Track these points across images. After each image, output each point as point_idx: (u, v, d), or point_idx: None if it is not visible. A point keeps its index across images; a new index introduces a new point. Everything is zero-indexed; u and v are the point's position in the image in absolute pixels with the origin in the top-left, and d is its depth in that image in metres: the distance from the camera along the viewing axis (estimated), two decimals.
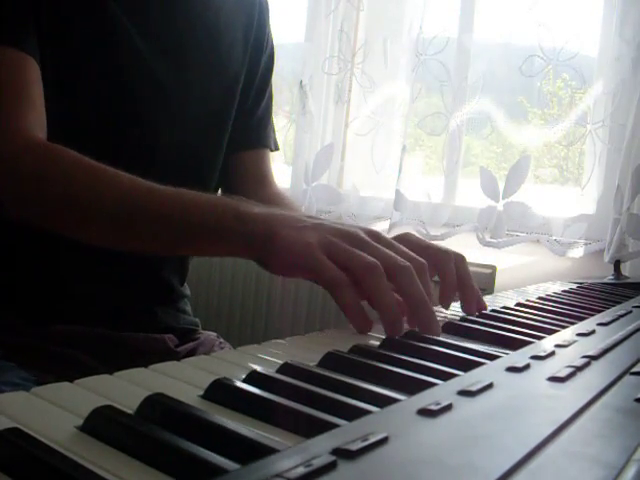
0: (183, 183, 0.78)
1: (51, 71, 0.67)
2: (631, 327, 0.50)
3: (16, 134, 0.62)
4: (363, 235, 0.51)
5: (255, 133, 0.91)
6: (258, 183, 0.93)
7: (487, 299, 0.70)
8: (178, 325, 0.82)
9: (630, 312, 0.60)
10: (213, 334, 0.89)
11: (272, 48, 0.93)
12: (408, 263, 0.49)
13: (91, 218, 0.60)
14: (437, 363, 0.37)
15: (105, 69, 0.70)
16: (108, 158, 0.71)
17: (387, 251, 0.50)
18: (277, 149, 0.97)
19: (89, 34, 0.69)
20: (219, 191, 0.89)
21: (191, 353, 0.80)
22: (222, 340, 0.90)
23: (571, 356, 0.38)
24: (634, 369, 0.36)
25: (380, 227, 1.58)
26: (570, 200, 1.41)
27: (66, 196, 0.60)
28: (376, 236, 0.52)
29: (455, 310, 0.60)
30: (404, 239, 0.57)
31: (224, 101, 0.82)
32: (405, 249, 0.52)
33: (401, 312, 0.48)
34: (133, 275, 0.74)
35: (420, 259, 0.51)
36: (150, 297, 0.78)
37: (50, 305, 0.72)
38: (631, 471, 0.22)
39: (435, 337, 0.46)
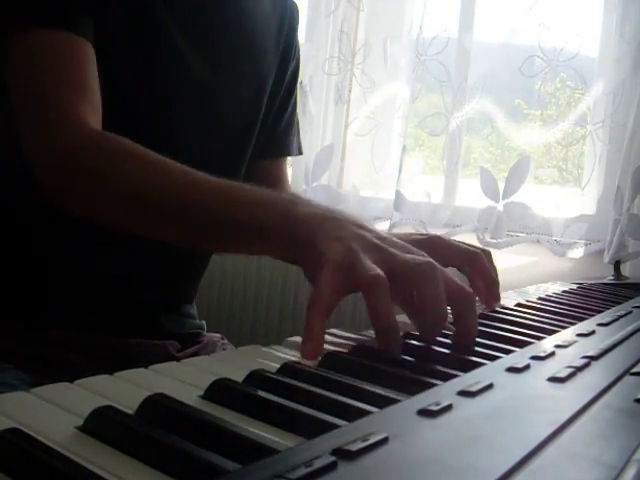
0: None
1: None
2: (631, 327, 0.50)
3: (72, 124, 0.60)
4: (395, 251, 0.48)
5: (278, 143, 0.92)
6: (273, 187, 0.93)
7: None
8: (181, 330, 0.81)
9: (630, 312, 0.60)
10: (217, 335, 0.88)
11: (298, 59, 0.93)
12: (431, 262, 0.47)
13: (141, 212, 0.58)
14: (437, 363, 0.38)
15: (146, 64, 0.69)
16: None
17: (409, 261, 0.47)
18: (300, 153, 0.97)
19: (134, 30, 0.68)
20: None
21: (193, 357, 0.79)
22: (226, 341, 0.89)
23: (571, 356, 0.38)
24: (634, 369, 0.36)
25: (380, 227, 1.58)
26: (570, 200, 1.41)
27: (117, 189, 0.58)
28: (411, 251, 0.49)
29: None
30: (434, 242, 0.60)
31: (252, 107, 0.82)
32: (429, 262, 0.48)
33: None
34: (136, 280, 0.74)
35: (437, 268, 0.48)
36: (153, 302, 0.77)
37: (50, 310, 0.71)
38: (631, 471, 0.22)
39: (435, 337, 0.46)
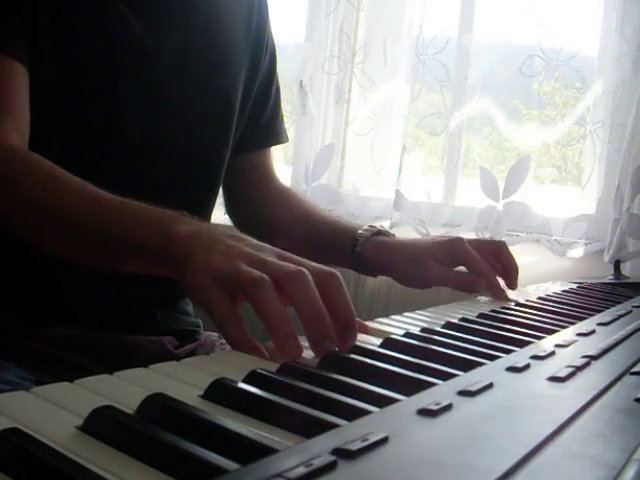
0: (190, 178, 0.78)
1: (56, 68, 0.66)
2: (631, 327, 0.50)
3: None
4: (268, 257, 0.46)
5: (262, 134, 0.92)
6: (262, 181, 0.94)
7: (487, 299, 0.71)
8: (178, 327, 0.81)
9: (630, 312, 0.60)
10: (215, 335, 0.89)
11: (273, 48, 0.92)
12: (303, 269, 0.44)
13: (42, 226, 0.59)
14: (437, 363, 0.37)
15: (107, 66, 0.70)
16: (114, 154, 0.71)
17: (284, 265, 0.45)
18: (287, 140, 0.98)
19: (93, 32, 0.69)
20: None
21: (191, 355, 0.79)
22: (224, 341, 0.89)
23: (571, 356, 0.38)
24: (634, 369, 0.36)
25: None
26: (570, 200, 1.41)
27: (19, 199, 0.59)
28: (285, 257, 0.48)
29: (456, 310, 0.60)
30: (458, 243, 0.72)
31: (228, 94, 0.82)
32: (312, 264, 0.46)
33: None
34: (132, 277, 0.74)
35: (330, 272, 0.46)
36: (149, 299, 0.78)
37: (48, 307, 0.72)
38: (631, 471, 0.22)
39: (435, 337, 0.46)
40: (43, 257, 0.70)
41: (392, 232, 0.82)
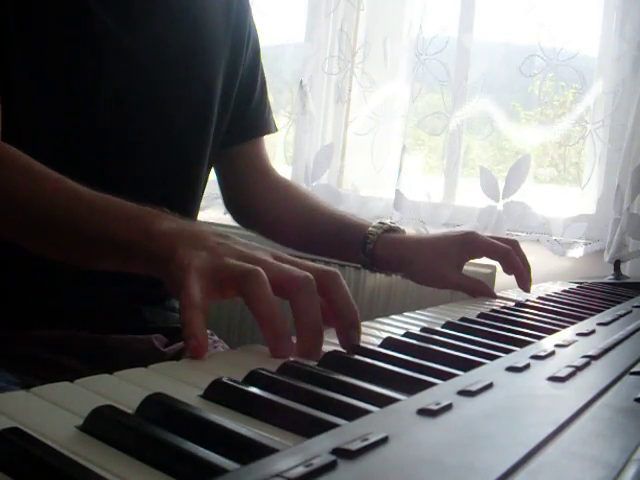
0: (174, 165, 0.77)
1: (27, 65, 0.65)
2: (631, 327, 0.50)
3: None
4: (262, 256, 0.46)
5: (253, 123, 0.91)
6: (258, 173, 0.93)
7: (487, 299, 0.71)
8: (167, 324, 0.80)
9: (630, 312, 0.60)
10: (207, 331, 0.87)
11: (256, 40, 0.91)
12: (301, 272, 0.43)
13: (8, 217, 0.57)
14: (437, 363, 0.37)
15: (82, 59, 0.69)
16: (92, 145, 0.70)
17: (282, 265, 0.45)
18: (276, 130, 0.97)
19: (67, 29, 0.67)
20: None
21: (180, 353, 0.78)
22: (216, 338, 0.88)
23: (571, 356, 0.38)
24: (634, 369, 0.36)
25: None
26: (570, 200, 1.41)
27: None
28: (279, 257, 0.47)
29: (456, 310, 0.60)
30: (473, 239, 0.74)
31: (207, 89, 0.81)
32: (310, 264, 0.46)
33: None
34: (117, 275, 0.72)
35: (329, 270, 0.46)
36: (136, 297, 0.76)
37: (32, 309, 0.70)
38: (631, 471, 0.22)
39: (435, 337, 0.46)
40: (25, 257, 0.68)
41: (401, 228, 0.82)
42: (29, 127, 0.67)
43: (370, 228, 0.80)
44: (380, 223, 0.80)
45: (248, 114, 0.90)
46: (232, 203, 0.95)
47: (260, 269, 0.42)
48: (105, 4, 0.70)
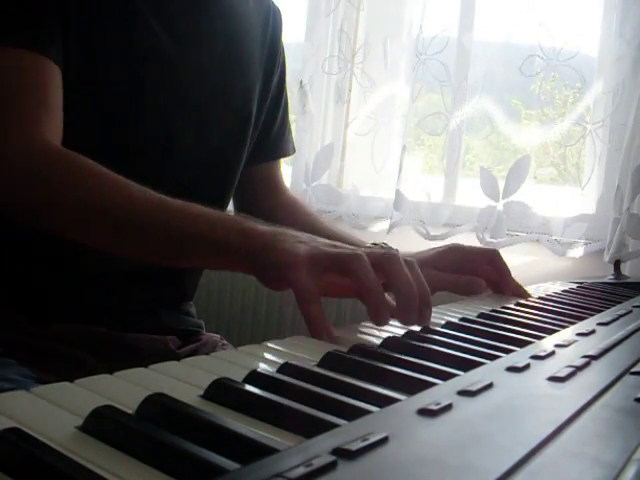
0: (207, 182, 0.79)
1: (75, 69, 0.67)
2: (631, 327, 0.50)
3: (31, 138, 0.62)
4: (348, 245, 0.53)
5: (272, 147, 0.93)
6: (271, 191, 0.96)
7: (487, 299, 0.71)
8: (180, 327, 0.82)
9: (630, 312, 0.60)
10: (217, 336, 0.89)
11: (284, 64, 0.93)
12: (395, 254, 0.51)
13: (101, 226, 0.60)
14: (437, 363, 0.37)
15: (127, 65, 0.71)
16: (124, 151, 0.71)
17: (371, 250, 0.52)
18: (294, 151, 1.00)
19: (115, 34, 0.69)
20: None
21: (192, 355, 0.80)
22: (226, 342, 0.90)
23: (571, 356, 0.38)
24: (634, 369, 0.36)
25: (380, 227, 1.58)
26: (570, 200, 1.41)
27: (77, 204, 0.60)
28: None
29: (456, 310, 0.60)
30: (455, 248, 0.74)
31: (246, 105, 0.83)
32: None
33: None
34: (137, 276, 0.74)
35: (408, 258, 0.53)
36: (153, 299, 0.78)
37: (52, 303, 0.72)
38: (631, 471, 0.22)
39: (435, 337, 0.46)
40: (47, 254, 0.71)
41: (395, 249, 0.82)
42: (75, 135, 0.69)
43: (362, 249, 0.81)
44: (373, 244, 0.81)
45: (271, 136, 0.92)
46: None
47: (360, 252, 0.49)
48: (162, 22, 0.72)
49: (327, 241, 0.53)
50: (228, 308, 1.75)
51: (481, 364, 0.37)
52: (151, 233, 0.59)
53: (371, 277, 0.48)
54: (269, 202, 0.94)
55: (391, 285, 0.50)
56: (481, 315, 0.56)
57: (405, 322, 0.49)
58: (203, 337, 0.86)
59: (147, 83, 0.72)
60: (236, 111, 0.82)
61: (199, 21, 0.76)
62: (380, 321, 0.48)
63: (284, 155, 0.97)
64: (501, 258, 0.74)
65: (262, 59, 0.86)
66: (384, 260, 0.50)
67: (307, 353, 0.41)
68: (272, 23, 0.88)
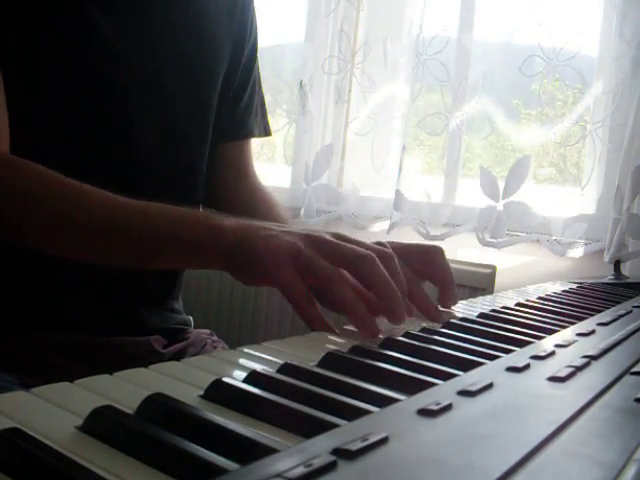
0: (173, 170, 0.78)
1: (22, 70, 0.65)
2: (631, 327, 0.50)
3: None
4: (328, 237, 0.52)
5: (238, 125, 0.89)
6: (239, 175, 0.91)
7: (487, 299, 0.70)
8: (165, 325, 0.80)
9: (630, 312, 0.60)
10: (206, 332, 0.87)
11: (255, 37, 0.90)
12: (369, 252, 0.50)
13: (61, 234, 0.59)
14: (437, 363, 0.37)
15: (76, 61, 0.68)
16: (90, 149, 0.70)
17: (350, 245, 0.51)
18: (268, 134, 0.95)
19: (58, 29, 0.67)
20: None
21: (179, 354, 0.78)
22: (216, 338, 0.88)
23: (571, 356, 0.38)
24: (634, 369, 0.36)
25: (380, 227, 1.58)
26: (570, 200, 1.41)
27: (35, 213, 0.59)
28: (342, 237, 0.53)
29: (456, 310, 0.60)
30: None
31: (208, 88, 0.80)
32: (373, 245, 0.53)
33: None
34: (116, 278, 0.72)
35: (387, 250, 0.52)
36: (135, 300, 0.76)
37: (33, 312, 0.70)
38: (631, 471, 0.22)
39: (435, 337, 0.46)
40: (25, 261, 0.69)
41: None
42: (27, 128, 0.67)
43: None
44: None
45: (237, 113, 0.88)
46: (208, 202, 0.92)
47: (341, 273, 0.49)
48: (105, 11, 0.69)
49: (307, 232, 0.52)
50: (228, 308, 1.75)
51: (481, 364, 0.37)
52: (115, 238, 0.58)
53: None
54: (232, 189, 0.91)
55: (369, 286, 0.50)
56: (481, 315, 0.56)
57: (392, 321, 0.50)
58: (191, 334, 0.84)
59: (99, 70, 0.70)
60: (199, 95, 0.79)
61: (154, 7, 0.74)
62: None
63: (249, 136, 0.91)
64: (441, 260, 0.60)
65: (230, 33, 0.83)
66: (359, 260, 0.49)
67: (307, 353, 0.41)
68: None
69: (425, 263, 0.60)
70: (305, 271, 0.49)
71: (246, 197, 0.91)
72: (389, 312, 0.49)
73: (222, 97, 0.83)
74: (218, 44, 0.82)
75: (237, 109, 0.88)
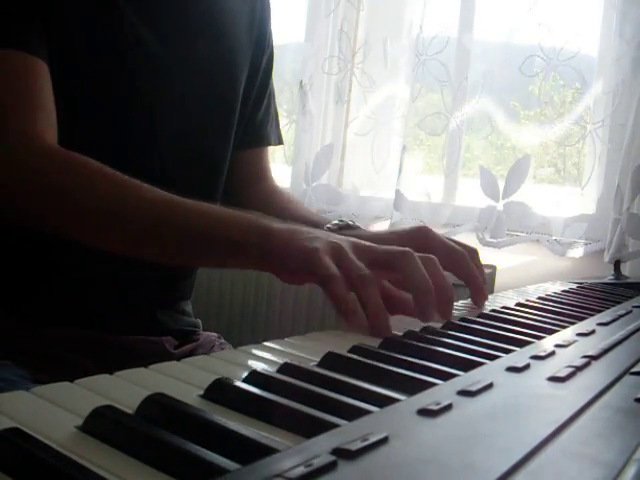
0: (194, 171, 0.79)
1: (55, 65, 0.66)
2: (631, 327, 0.50)
3: (30, 140, 0.61)
4: (369, 243, 0.54)
5: (256, 133, 0.92)
6: (256, 178, 0.94)
7: (487, 299, 0.70)
8: (177, 327, 0.81)
9: (630, 312, 0.60)
10: (214, 335, 0.89)
11: (272, 49, 0.93)
12: (408, 249, 0.53)
13: (115, 230, 0.60)
14: (437, 363, 0.37)
15: (106, 56, 0.70)
16: (111, 145, 0.71)
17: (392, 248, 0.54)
18: (281, 143, 0.98)
19: (92, 25, 0.68)
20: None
21: (189, 355, 0.79)
22: (223, 341, 0.89)
23: (571, 356, 0.38)
24: (634, 369, 0.36)
25: (380, 227, 1.58)
26: (570, 200, 1.41)
27: (89, 208, 0.60)
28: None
29: (456, 310, 0.60)
30: (422, 233, 0.64)
31: (230, 93, 0.82)
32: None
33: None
34: (133, 278, 0.74)
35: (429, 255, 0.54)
36: (149, 300, 0.78)
37: (46, 307, 0.71)
38: (631, 471, 0.22)
39: (435, 337, 0.46)
40: (40, 258, 0.70)
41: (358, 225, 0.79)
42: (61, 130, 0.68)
43: (327, 225, 0.80)
44: (340, 221, 0.79)
45: (255, 122, 0.91)
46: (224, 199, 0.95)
47: (372, 275, 0.50)
48: (143, 19, 0.71)
49: (342, 236, 0.55)
50: (228, 307, 1.75)
51: (481, 364, 0.37)
52: (167, 235, 0.59)
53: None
54: (251, 190, 0.93)
55: (407, 283, 0.52)
56: (481, 315, 0.56)
57: (424, 319, 0.51)
58: (200, 336, 0.85)
59: (128, 76, 0.71)
60: (222, 100, 0.81)
61: (184, 10, 0.75)
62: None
63: (267, 144, 0.95)
64: (477, 261, 0.64)
65: (250, 43, 0.86)
66: (399, 257, 0.52)
67: (307, 353, 0.41)
68: (259, 6, 0.88)
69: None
70: (344, 271, 0.51)
71: (266, 198, 0.93)
72: (421, 312, 0.51)
73: (243, 104, 0.86)
74: (239, 52, 0.84)
75: (256, 117, 0.91)
